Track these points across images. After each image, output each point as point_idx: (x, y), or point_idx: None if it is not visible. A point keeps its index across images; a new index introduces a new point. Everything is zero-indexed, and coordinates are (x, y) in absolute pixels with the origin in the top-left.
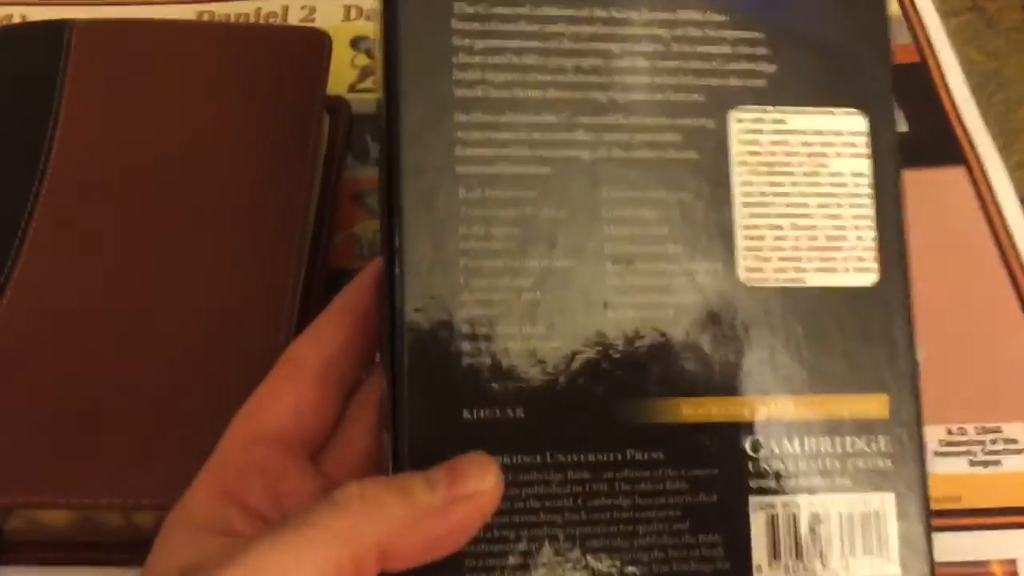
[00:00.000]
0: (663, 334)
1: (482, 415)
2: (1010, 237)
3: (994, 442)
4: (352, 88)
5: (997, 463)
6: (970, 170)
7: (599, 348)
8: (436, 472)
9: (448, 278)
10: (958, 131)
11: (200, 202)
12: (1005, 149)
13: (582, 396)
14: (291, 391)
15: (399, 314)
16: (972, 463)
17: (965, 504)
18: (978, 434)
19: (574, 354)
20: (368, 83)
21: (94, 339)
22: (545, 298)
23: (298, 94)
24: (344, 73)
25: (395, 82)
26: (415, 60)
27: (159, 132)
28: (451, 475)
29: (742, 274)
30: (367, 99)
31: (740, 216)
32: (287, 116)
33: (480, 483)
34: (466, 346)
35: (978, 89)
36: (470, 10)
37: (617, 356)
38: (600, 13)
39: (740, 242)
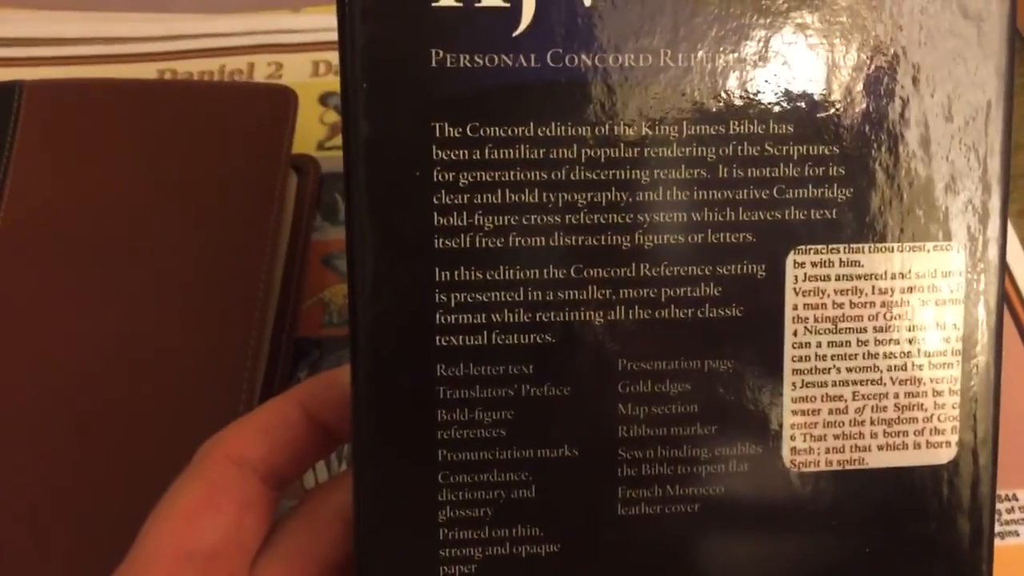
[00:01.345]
0: (686, 532)
1: None
2: (1017, 290)
3: (1010, 511)
4: (321, 146)
5: (1015, 534)
6: None
7: (605, 551)
8: None
9: (423, 472)
10: None
11: (155, 266)
12: (1018, 216)
13: None
14: (234, 499)
15: (364, 504)
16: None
17: None
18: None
19: (573, 558)
20: (338, 140)
21: (27, 414)
22: (540, 492)
23: (261, 152)
24: (313, 130)
25: (356, 233)
26: (383, 206)
27: (111, 194)
28: None
29: (788, 456)
30: (337, 157)
31: (790, 386)
32: (249, 175)
33: None
34: (444, 552)
35: None
36: (455, 133)
37: (628, 559)
38: (627, 132)
39: (788, 418)
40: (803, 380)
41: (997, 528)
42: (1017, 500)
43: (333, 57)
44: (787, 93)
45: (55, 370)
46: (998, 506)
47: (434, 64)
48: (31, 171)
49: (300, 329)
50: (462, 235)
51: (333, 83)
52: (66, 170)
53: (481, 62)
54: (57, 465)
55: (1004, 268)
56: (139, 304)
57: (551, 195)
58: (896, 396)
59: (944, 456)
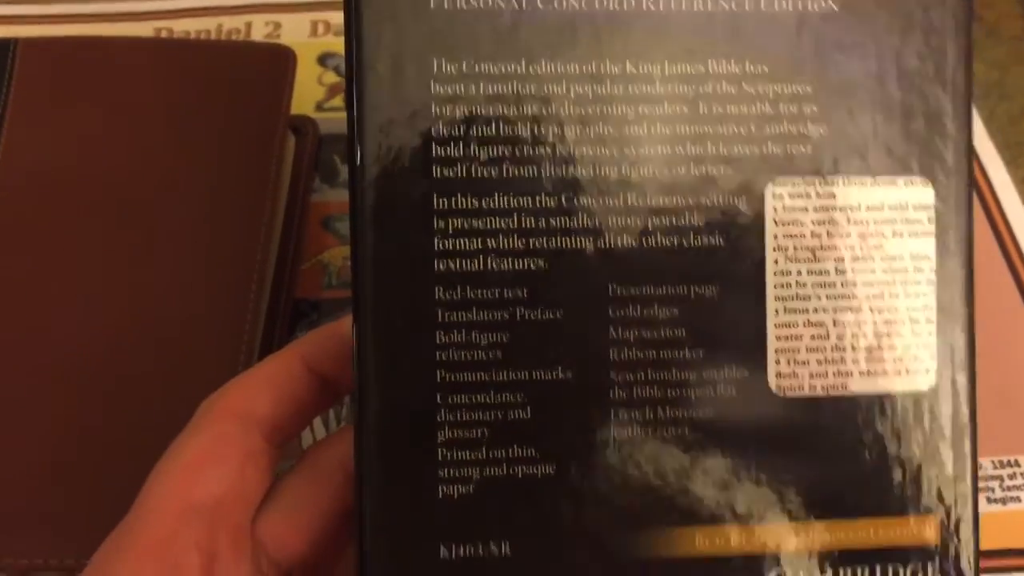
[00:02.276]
0: (677, 453)
1: (462, 552)
2: (1022, 255)
3: (1012, 477)
4: (320, 107)
5: (1017, 500)
6: (976, 185)
7: (601, 472)
8: None
9: (423, 391)
10: None
11: (151, 227)
12: (1012, 163)
13: (580, 528)
14: (237, 451)
15: (365, 427)
16: (989, 500)
17: (982, 545)
18: (995, 469)
19: (569, 479)
20: (337, 101)
21: (28, 378)
22: (536, 414)
23: (259, 113)
24: (311, 91)
25: (359, 166)
26: (383, 143)
27: (107, 154)
28: None
29: (773, 381)
30: (336, 118)
31: (773, 312)
32: (247, 136)
33: None
34: (442, 472)
35: (981, 100)
36: (451, 70)
37: (622, 481)
38: (612, 69)
39: (772, 343)
40: (785, 307)
41: (999, 494)
42: (1019, 466)
43: (332, 17)
44: (762, 35)
45: (52, 330)
46: (999, 472)
47: (432, 6)
48: (26, 129)
49: (299, 291)
50: (459, 164)
51: (332, 43)
52: (61, 129)
53: (476, 4)
54: (57, 425)
55: (972, 202)
56: (136, 265)
57: (542, 128)
58: (875, 324)
59: (924, 383)
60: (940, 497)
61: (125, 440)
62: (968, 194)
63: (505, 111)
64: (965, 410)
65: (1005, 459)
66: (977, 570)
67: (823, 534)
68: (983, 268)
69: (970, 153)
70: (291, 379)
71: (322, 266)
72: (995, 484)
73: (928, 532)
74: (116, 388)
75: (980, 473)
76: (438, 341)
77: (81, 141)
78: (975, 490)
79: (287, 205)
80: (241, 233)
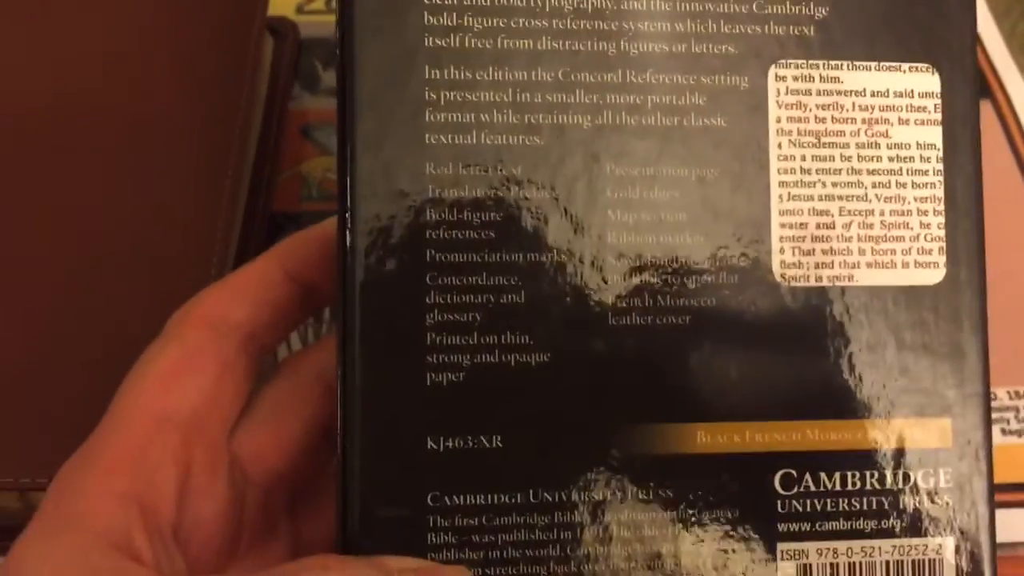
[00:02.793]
0: (677, 345)
1: (451, 444)
2: None
3: None
4: (300, 9)
5: None
6: (996, 104)
7: (597, 361)
8: None
9: (411, 276)
10: (982, 62)
11: (115, 133)
12: None
13: (575, 421)
14: (213, 361)
15: (350, 317)
16: (1004, 432)
17: (997, 479)
18: (1011, 399)
19: (564, 368)
20: (319, 3)
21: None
22: (530, 301)
23: (232, 11)
24: None
25: (349, 29)
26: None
27: (67, 55)
28: None
29: (778, 270)
30: (318, 22)
31: (777, 198)
32: (219, 36)
33: None
34: (431, 359)
35: (1002, 18)
36: None
37: (620, 371)
38: None
39: (776, 231)
40: (789, 193)
41: (1015, 425)
42: None
43: None
44: None
45: (16, 242)
46: (1015, 403)
47: None
48: None
49: (276, 203)
50: (451, 35)
51: None
52: (27, 35)
53: None
54: (21, 338)
55: (978, 91)
56: (103, 175)
57: (538, 0)
58: (882, 213)
59: (932, 277)
60: (951, 397)
61: (93, 355)
62: (974, 85)
63: None
64: (975, 306)
65: (1022, 389)
66: (990, 477)
67: (831, 434)
68: (1001, 188)
69: (975, 43)
70: (268, 286)
71: (301, 177)
72: (1010, 415)
73: (940, 435)
74: (84, 301)
75: (994, 404)
76: (428, 218)
77: (48, 46)
78: (987, 393)
79: (264, 112)
80: (213, 141)
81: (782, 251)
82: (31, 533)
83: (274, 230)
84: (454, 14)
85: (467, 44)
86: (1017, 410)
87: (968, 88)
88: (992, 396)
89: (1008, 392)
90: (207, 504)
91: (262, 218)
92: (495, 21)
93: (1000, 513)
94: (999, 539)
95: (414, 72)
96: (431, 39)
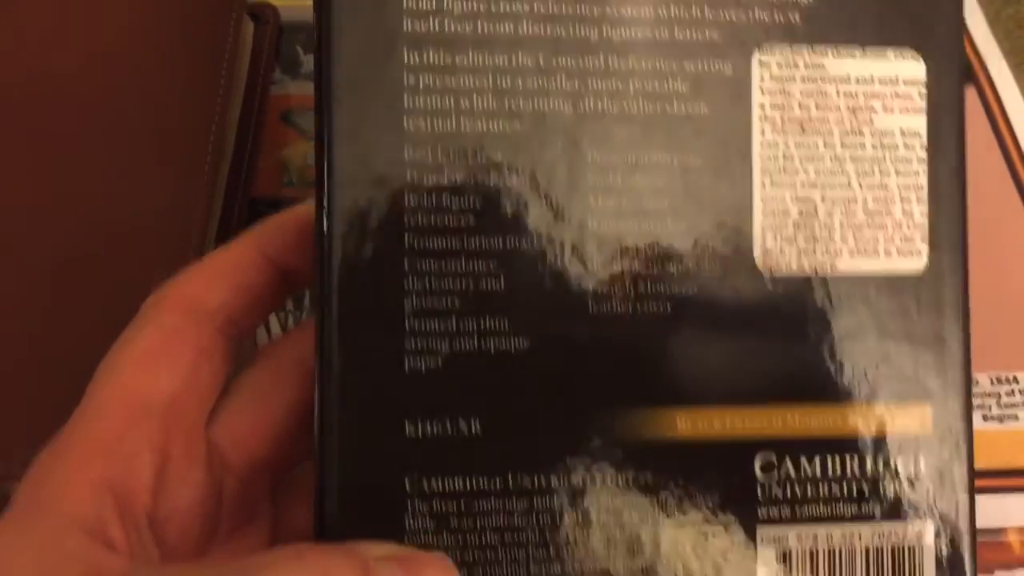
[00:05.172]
0: (658, 331)
1: (429, 430)
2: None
3: (1011, 394)
4: None
5: (1014, 418)
6: (980, 90)
7: (577, 347)
8: (390, 572)
9: (389, 261)
10: (967, 48)
11: (92, 117)
12: (1018, 68)
13: (554, 406)
14: (190, 346)
15: (328, 302)
16: (986, 418)
17: (978, 464)
18: (992, 385)
19: (544, 354)
20: None
21: None
22: (509, 285)
23: None
24: None
25: (327, 12)
26: None
27: (41, 39)
28: None
29: (760, 258)
30: (299, 6)
31: (760, 185)
32: (198, 20)
33: None
34: (409, 344)
35: (986, 4)
36: None
37: (600, 357)
38: None
39: (759, 218)
40: (772, 180)
41: (996, 411)
42: (1018, 383)
43: None
44: None
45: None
46: (997, 389)
47: None
48: None
49: (256, 189)
50: (431, 19)
51: None
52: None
53: None
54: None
55: (964, 79)
56: (80, 159)
57: None
58: (865, 201)
59: (915, 265)
60: (932, 385)
61: (70, 344)
62: (960, 73)
63: None
64: (958, 294)
65: (1003, 375)
66: (970, 464)
67: (811, 420)
68: (984, 175)
69: (961, 30)
70: (245, 269)
71: (281, 164)
72: (992, 402)
73: (921, 422)
74: (60, 289)
75: (976, 390)
76: (406, 204)
77: (21, 29)
78: (968, 380)
79: (244, 97)
80: (192, 126)
81: (764, 239)
82: (4, 520)
83: (254, 216)
84: None
85: (447, 28)
86: (999, 396)
87: (954, 75)
88: (974, 382)
89: (990, 378)
90: (184, 492)
91: (242, 204)
92: (475, 5)
93: (981, 499)
94: (980, 525)
95: (393, 56)
96: (410, 23)
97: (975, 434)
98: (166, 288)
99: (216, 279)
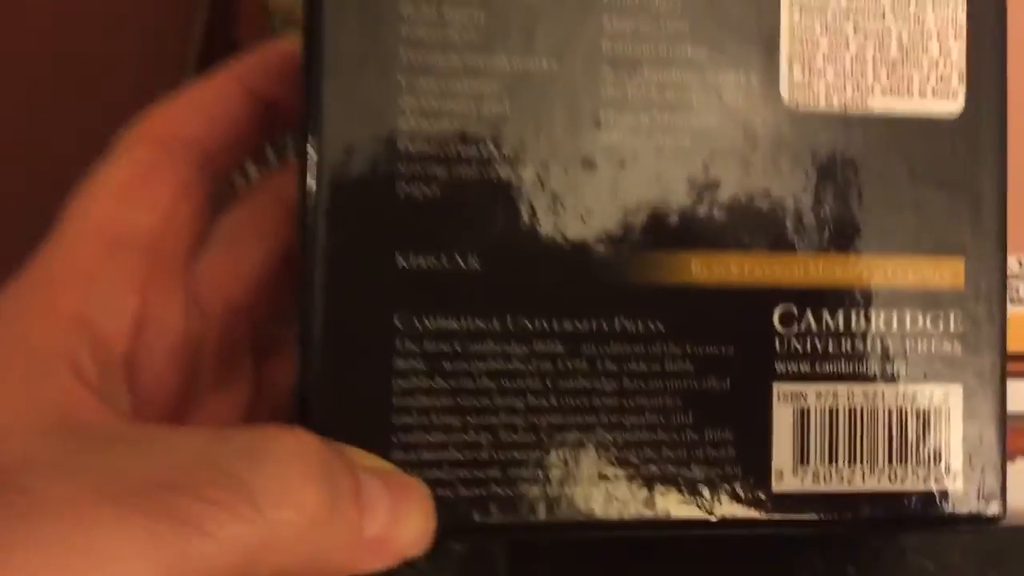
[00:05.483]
0: (673, 166)
1: (423, 263)
2: None
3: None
4: None
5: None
6: None
7: (585, 180)
8: (376, 494)
9: (384, 78)
10: None
11: None
12: None
13: (559, 244)
14: (168, 181)
15: (315, 123)
16: (1012, 301)
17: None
18: (1020, 267)
19: (553, 186)
20: None
21: None
22: (515, 109)
23: None
24: None
25: None
26: None
27: None
28: (394, 511)
29: (786, 92)
30: None
31: (788, 14)
32: None
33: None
34: (403, 168)
35: None
36: None
37: (611, 192)
38: None
39: (786, 48)
40: (801, 7)
41: None
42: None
43: None
44: None
45: None
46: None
47: None
48: None
49: (239, 33)
50: None
51: None
52: None
53: None
54: None
55: None
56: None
57: None
58: (900, 36)
59: (951, 107)
60: (966, 236)
61: (42, 178)
62: None
63: None
64: (994, 141)
65: None
66: (1002, 323)
67: (836, 269)
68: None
69: None
70: (225, 101)
71: (263, 9)
72: (1020, 284)
73: (953, 276)
74: (36, 122)
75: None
76: (402, 12)
77: None
78: (1003, 233)
79: None
80: None
81: (791, 70)
82: None
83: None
84: None
85: None
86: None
87: None
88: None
89: (1018, 260)
90: (163, 338)
91: (222, 49)
92: None
93: (1009, 384)
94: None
95: None
96: None
97: None
98: (140, 119)
99: (193, 111)
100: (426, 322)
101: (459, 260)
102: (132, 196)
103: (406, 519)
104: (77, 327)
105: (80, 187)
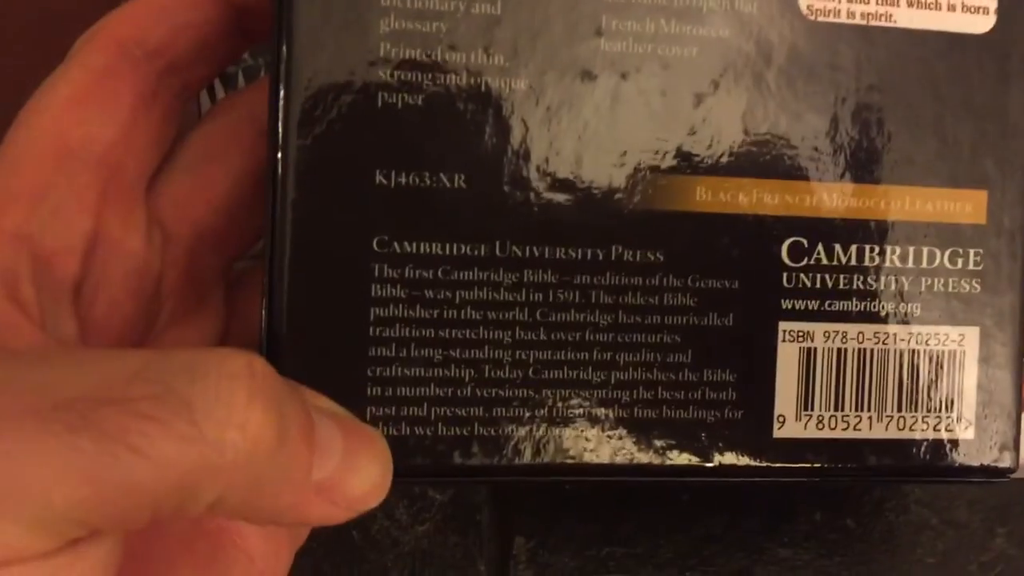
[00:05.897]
0: (679, 80)
1: (404, 181)
2: None
3: None
4: None
5: None
6: None
7: (583, 92)
8: (329, 435)
9: None
10: None
11: None
12: None
13: (554, 161)
14: (127, 91)
15: (287, 23)
16: None
17: None
18: None
19: (549, 97)
20: None
21: None
22: (508, 11)
23: None
24: None
25: None
26: None
27: None
28: (348, 457)
29: (804, 1)
30: None
31: None
32: None
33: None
34: (384, 75)
35: None
36: None
37: (608, 108)
38: None
39: None
40: None
41: None
42: None
43: None
44: None
45: None
46: None
47: None
48: None
49: None
50: None
51: None
52: None
53: None
54: None
55: None
56: None
57: None
58: None
59: (981, 25)
60: (990, 167)
61: None
62: None
63: None
64: None
65: None
66: None
67: (848, 200)
68: None
69: None
70: (192, 4)
71: None
72: None
73: (975, 210)
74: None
75: None
76: None
77: None
78: None
79: None
80: None
81: None
82: None
83: None
84: None
85: None
86: None
87: None
88: None
89: None
90: (118, 261)
91: None
92: None
93: None
94: None
95: None
96: None
97: None
98: (98, 26)
99: (158, 15)
100: (407, 245)
101: (444, 178)
102: (86, 106)
103: (361, 467)
104: (16, 246)
105: (30, 101)
